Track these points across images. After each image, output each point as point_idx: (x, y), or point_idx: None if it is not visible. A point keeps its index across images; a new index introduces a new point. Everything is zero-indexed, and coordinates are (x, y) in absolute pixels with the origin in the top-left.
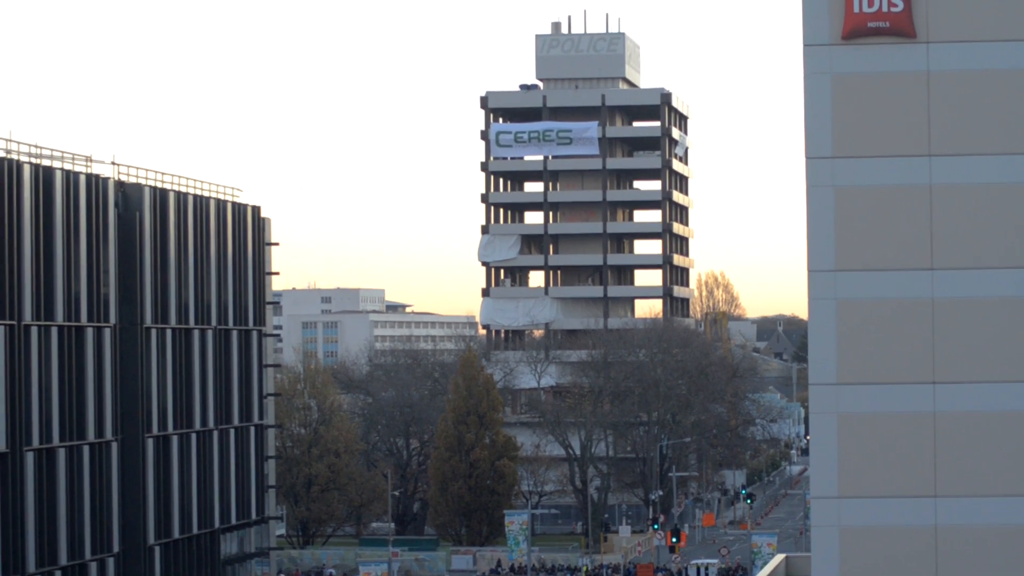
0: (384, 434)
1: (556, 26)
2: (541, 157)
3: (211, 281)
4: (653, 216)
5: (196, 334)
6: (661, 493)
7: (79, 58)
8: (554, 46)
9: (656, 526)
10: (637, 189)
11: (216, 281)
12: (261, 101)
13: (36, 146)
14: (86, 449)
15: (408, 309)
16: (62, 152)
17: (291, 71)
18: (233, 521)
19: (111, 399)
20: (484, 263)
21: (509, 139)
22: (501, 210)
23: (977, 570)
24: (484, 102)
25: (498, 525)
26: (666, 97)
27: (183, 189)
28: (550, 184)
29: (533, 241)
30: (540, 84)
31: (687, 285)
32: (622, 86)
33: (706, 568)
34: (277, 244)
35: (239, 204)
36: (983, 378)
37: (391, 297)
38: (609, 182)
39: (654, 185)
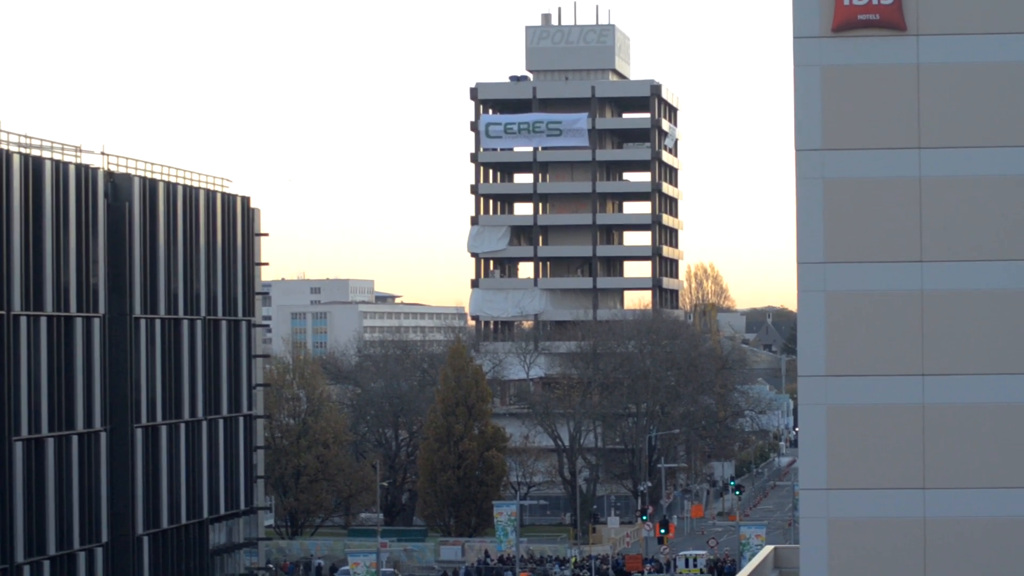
0: (373, 425)
1: (546, 18)
2: (531, 148)
3: (200, 271)
4: (643, 208)
5: (185, 324)
6: (650, 484)
7: (69, 48)
8: (544, 38)
9: (645, 517)
10: (627, 181)
11: (205, 271)
12: (251, 92)
13: (26, 136)
14: (75, 439)
15: (397, 300)
16: (51, 142)
17: (281, 62)
18: (222, 511)
19: (100, 389)
20: (473, 254)
21: (499, 130)
22: (490, 201)
23: (965, 562)
24: (474, 93)
25: (487, 516)
26: (656, 89)
27: (172, 179)
28: (540, 176)
29: (522, 232)
30: (530, 76)
31: (676, 277)
32: (612, 78)
33: (694, 559)
34: (266, 235)
35: (228, 195)
36: (972, 370)
37: (380, 288)
38: (599, 174)
39: (644, 177)
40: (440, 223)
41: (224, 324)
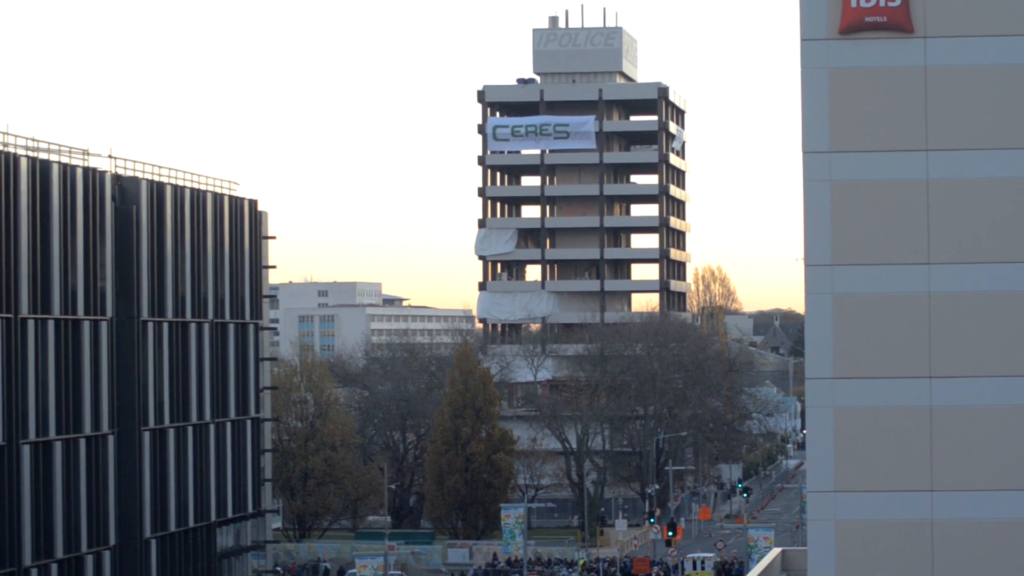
0: (380, 428)
1: (553, 20)
2: (538, 151)
3: (208, 275)
4: (650, 210)
5: (193, 327)
6: (657, 487)
7: (77, 52)
8: (551, 40)
9: (652, 520)
10: (634, 183)
11: (213, 275)
12: (258, 95)
13: (33, 139)
14: (82, 442)
15: (405, 303)
16: (59, 145)
17: (288, 65)
18: (229, 514)
19: (108, 392)
20: (481, 257)
21: (506, 133)
22: (498, 204)
23: (973, 564)
24: (481, 96)
25: (494, 519)
26: (663, 91)
27: (180, 183)
28: (547, 178)
29: (530, 235)
30: (537, 78)
31: (684, 279)
32: (619, 80)
33: (702, 562)
34: (274, 238)
35: (236, 198)
36: (979, 372)
37: (388, 291)
38: (606, 176)
39: (651, 179)
40: (447, 226)
41: (232, 327)
